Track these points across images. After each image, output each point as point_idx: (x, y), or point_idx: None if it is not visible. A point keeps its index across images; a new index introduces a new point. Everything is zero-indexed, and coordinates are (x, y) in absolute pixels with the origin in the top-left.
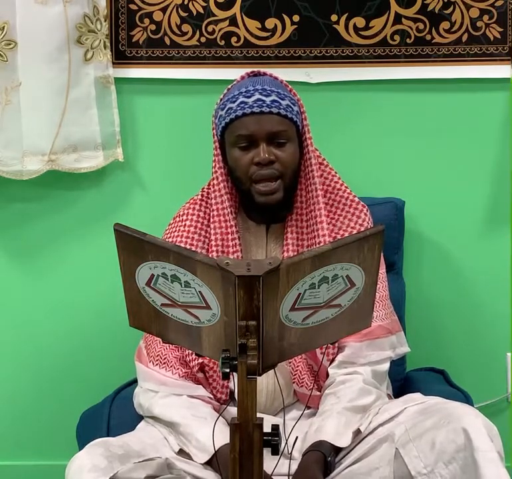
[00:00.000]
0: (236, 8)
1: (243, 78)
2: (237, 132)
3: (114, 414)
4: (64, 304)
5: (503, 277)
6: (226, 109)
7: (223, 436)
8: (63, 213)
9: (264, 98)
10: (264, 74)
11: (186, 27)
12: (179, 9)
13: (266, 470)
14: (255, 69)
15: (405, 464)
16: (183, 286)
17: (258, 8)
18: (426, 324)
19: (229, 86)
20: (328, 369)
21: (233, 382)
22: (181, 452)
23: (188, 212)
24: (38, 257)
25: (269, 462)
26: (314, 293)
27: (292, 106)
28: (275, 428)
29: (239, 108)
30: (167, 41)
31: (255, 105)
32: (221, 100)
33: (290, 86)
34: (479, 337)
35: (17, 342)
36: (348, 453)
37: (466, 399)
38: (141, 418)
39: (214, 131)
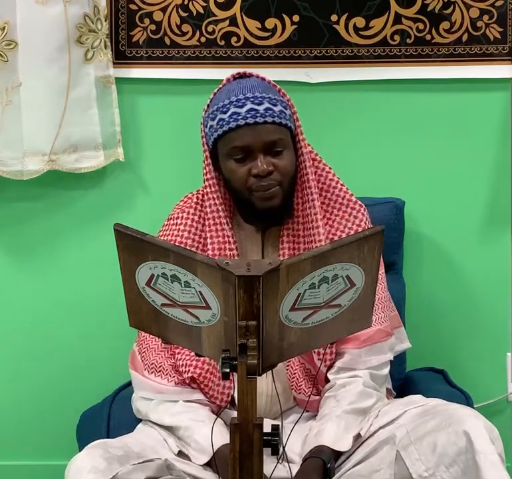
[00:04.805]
0: (236, 8)
1: (228, 80)
2: (232, 144)
3: (113, 414)
4: (64, 304)
5: (503, 277)
6: (217, 120)
7: (222, 437)
8: (63, 213)
9: (256, 107)
10: (251, 75)
11: (186, 27)
12: (179, 9)
13: (265, 474)
14: (240, 70)
15: (407, 467)
16: (183, 286)
17: (259, 8)
18: (426, 324)
19: (215, 90)
20: (328, 375)
21: (234, 388)
22: (181, 454)
23: (182, 216)
24: (38, 257)
25: (268, 466)
26: (314, 293)
27: (285, 110)
28: (275, 428)
29: (231, 120)
30: (167, 41)
31: (248, 116)
32: (208, 106)
33: (278, 86)
34: (479, 337)
35: (17, 342)
36: (349, 456)
37: (466, 399)
38: (140, 418)
39: (203, 140)
